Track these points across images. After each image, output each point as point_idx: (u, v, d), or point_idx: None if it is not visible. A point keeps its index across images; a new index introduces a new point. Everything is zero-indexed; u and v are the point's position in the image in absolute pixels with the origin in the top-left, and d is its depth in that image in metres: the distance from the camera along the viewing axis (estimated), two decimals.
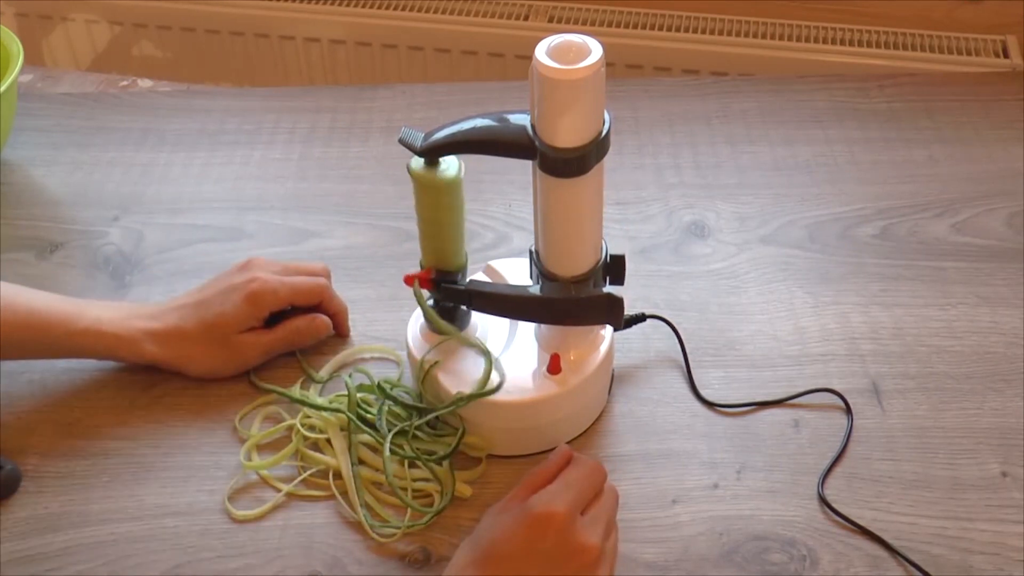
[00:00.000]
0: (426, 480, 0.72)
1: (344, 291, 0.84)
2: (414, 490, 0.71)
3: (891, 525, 0.69)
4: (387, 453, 0.71)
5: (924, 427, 0.75)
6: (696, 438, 0.75)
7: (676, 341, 0.80)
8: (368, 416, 0.74)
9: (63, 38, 1.56)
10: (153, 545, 0.69)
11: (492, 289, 0.73)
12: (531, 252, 0.73)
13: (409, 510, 0.70)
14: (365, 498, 0.71)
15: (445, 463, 0.72)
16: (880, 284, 0.87)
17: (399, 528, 0.69)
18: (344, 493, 0.72)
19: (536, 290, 0.72)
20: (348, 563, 0.68)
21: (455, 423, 0.73)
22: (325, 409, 0.75)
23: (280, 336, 0.80)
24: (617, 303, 0.71)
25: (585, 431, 0.76)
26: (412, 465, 0.73)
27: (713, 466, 0.73)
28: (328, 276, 0.83)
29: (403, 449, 0.72)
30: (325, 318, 0.81)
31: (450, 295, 0.73)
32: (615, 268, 0.72)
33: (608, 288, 0.72)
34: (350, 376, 0.78)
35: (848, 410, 0.76)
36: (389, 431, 0.72)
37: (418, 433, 0.73)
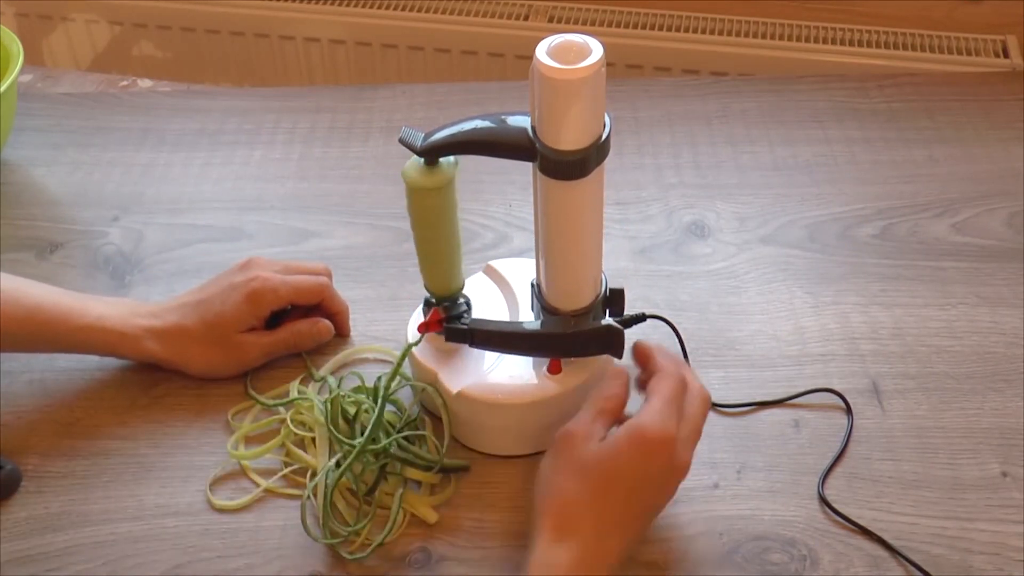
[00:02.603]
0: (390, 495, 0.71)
1: (344, 291, 0.84)
2: (380, 505, 0.70)
3: (891, 525, 0.69)
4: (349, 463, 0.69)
5: (924, 427, 0.75)
6: None
7: (676, 341, 0.80)
8: (352, 418, 0.73)
9: (63, 38, 1.56)
10: (153, 545, 0.69)
11: (494, 327, 0.73)
12: (532, 286, 0.73)
13: (389, 523, 0.69)
14: (335, 500, 0.69)
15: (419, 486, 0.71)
16: (880, 284, 0.87)
17: (344, 537, 0.68)
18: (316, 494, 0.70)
19: (536, 325, 0.72)
20: (348, 563, 0.68)
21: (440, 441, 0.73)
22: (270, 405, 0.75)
23: (281, 337, 0.80)
24: (617, 334, 0.71)
25: None
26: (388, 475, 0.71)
27: (713, 466, 0.73)
28: (329, 276, 0.83)
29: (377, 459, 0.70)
30: (327, 322, 0.81)
31: (454, 335, 0.72)
32: (614, 301, 0.72)
33: (607, 320, 0.72)
34: (341, 379, 0.77)
35: (848, 410, 0.76)
36: (370, 440, 0.70)
37: (397, 452, 0.71)
